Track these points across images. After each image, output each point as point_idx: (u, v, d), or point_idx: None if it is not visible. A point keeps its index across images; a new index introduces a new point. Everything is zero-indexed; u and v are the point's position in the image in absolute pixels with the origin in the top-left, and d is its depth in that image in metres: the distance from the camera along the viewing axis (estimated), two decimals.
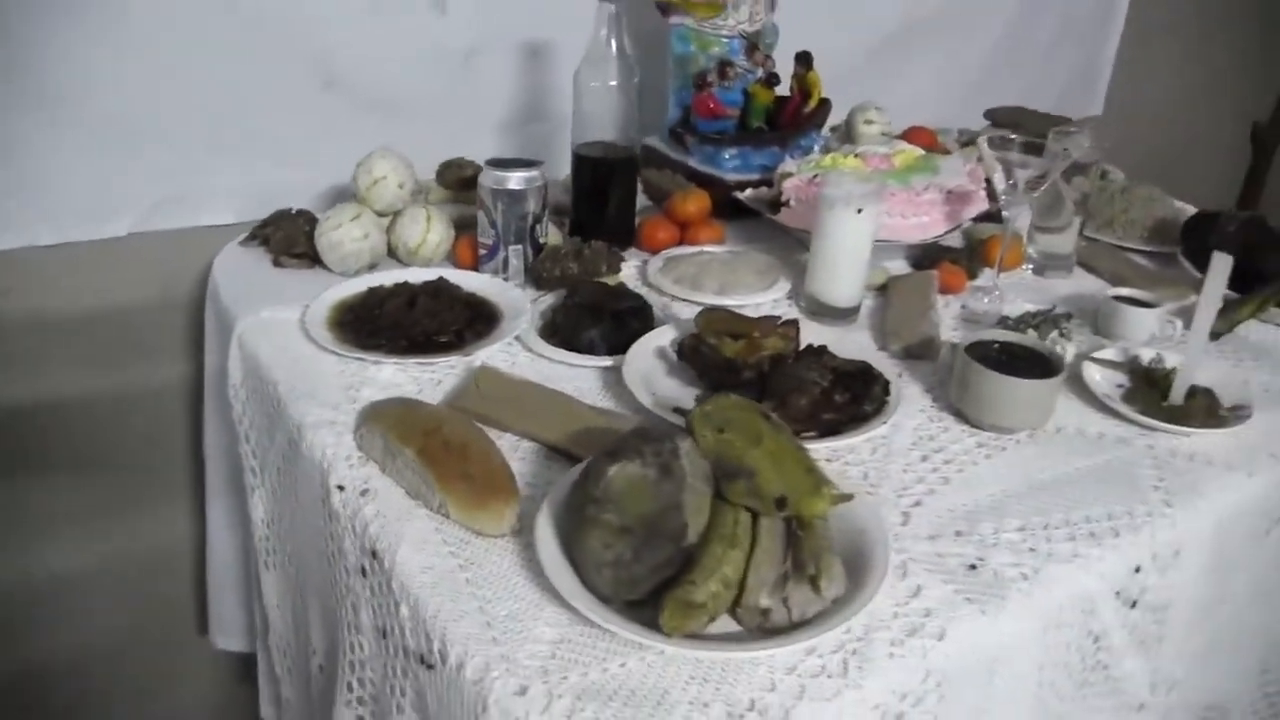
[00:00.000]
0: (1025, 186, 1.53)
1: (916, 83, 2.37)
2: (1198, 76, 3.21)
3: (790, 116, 1.88)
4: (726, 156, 1.82)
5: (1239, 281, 1.59)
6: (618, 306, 1.44)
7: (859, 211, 1.45)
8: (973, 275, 1.67)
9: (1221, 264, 1.35)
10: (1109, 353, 1.47)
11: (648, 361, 1.36)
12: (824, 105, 1.90)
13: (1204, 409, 1.37)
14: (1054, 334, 1.44)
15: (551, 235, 1.63)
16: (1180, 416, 1.35)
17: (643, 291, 1.56)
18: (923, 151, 1.77)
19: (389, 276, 1.54)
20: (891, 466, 1.24)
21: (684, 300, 1.55)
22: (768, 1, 1.84)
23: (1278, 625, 1.46)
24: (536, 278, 1.55)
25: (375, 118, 1.77)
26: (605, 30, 1.58)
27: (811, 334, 1.42)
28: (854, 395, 1.28)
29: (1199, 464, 1.30)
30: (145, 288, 1.71)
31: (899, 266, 1.70)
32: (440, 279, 1.51)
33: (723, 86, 1.82)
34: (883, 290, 1.61)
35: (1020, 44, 2.57)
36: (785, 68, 1.88)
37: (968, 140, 2.16)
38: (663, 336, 1.40)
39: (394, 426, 1.20)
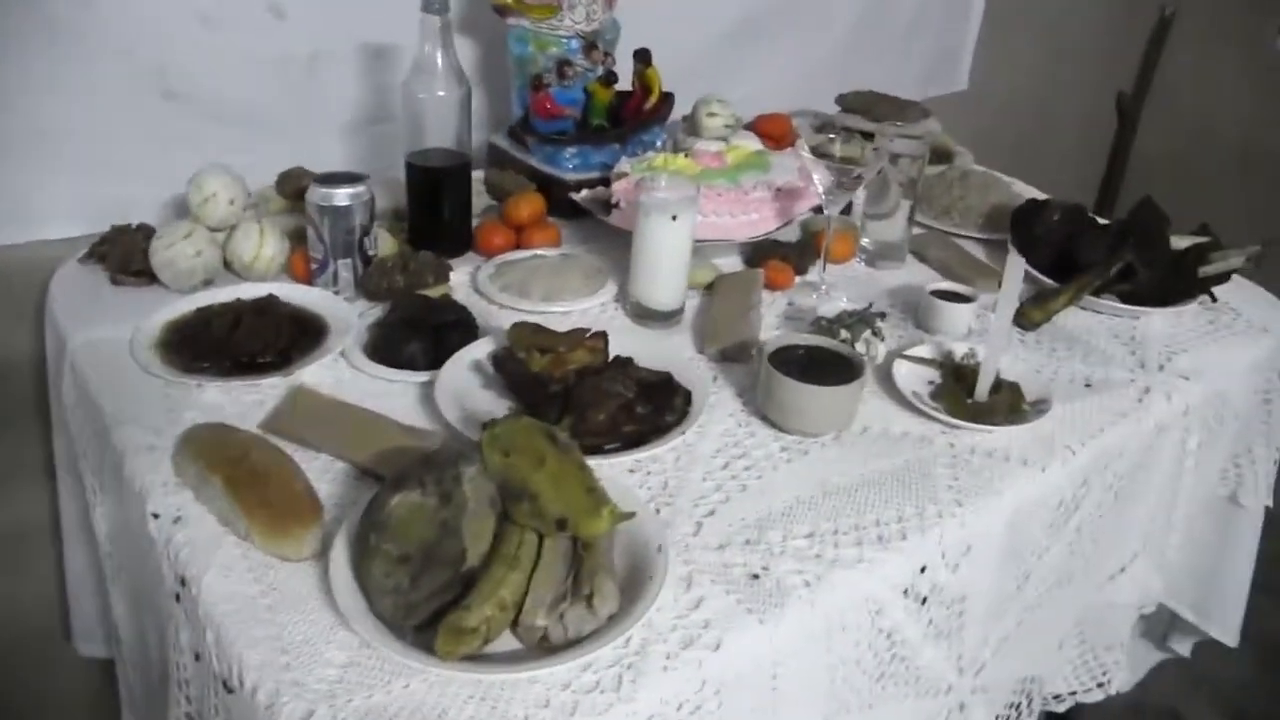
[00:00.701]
0: (843, 186, 1.56)
1: (772, 69, 2.40)
2: (1062, 46, 3.26)
3: (632, 113, 1.90)
4: (566, 156, 1.83)
5: (1061, 271, 1.64)
6: (439, 320, 1.46)
7: (674, 219, 1.47)
8: (803, 270, 1.70)
9: (1016, 262, 1.39)
10: (923, 349, 1.51)
11: (463, 376, 1.39)
12: (666, 100, 1.92)
13: (1006, 405, 1.41)
14: (866, 334, 1.47)
15: (387, 244, 1.64)
16: (982, 413, 1.40)
17: (472, 299, 1.58)
18: (756, 148, 1.80)
19: (223, 293, 1.55)
20: (692, 474, 1.28)
21: (510, 309, 1.57)
22: (605, 1, 1.84)
23: (1084, 599, 1.52)
24: (366, 290, 1.56)
25: (219, 127, 1.77)
26: (430, 43, 1.58)
27: (633, 338, 1.46)
28: (656, 406, 1.31)
29: (996, 460, 1.34)
30: None
31: (731, 263, 1.74)
32: (269, 296, 1.52)
33: (562, 86, 1.84)
34: (710, 289, 1.64)
35: (879, 25, 2.60)
36: (628, 64, 1.89)
37: (821, 125, 2.18)
38: (481, 349, 1.42)
39: (204, 454, 1.22)
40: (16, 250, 1.68)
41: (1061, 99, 3.37)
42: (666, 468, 1.29)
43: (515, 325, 1.39)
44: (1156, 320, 1.68)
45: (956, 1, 2.78)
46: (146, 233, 1.63)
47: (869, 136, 2.00)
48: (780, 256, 1.70)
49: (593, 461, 1.17)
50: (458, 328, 1.47)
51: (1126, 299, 1.68)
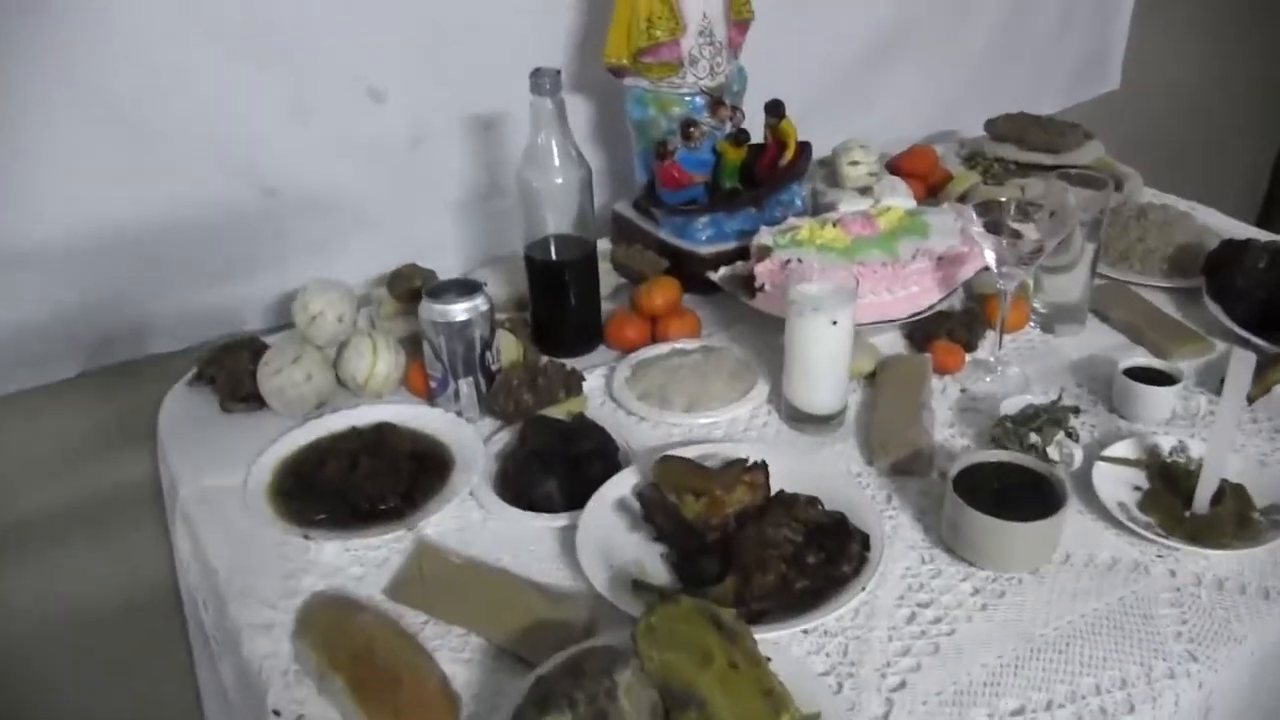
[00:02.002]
0: (1019, 261, 1.37)
1: (907, 91, 2.20)
2: (1225, 31, 2.97)
3: (766, 171, 1.73)
4: (698, 227, 1.67)
5: (1274, 327, 1.43)
6: (575, 450, 1.31)
7: (834, 323, 1.30)
8: (972, 345, 1.51)
9: (1242, 364, 1.18)
10: (1123, 447, 1.31)
11: (607, 519, 1.24)
12: (802, 153, 1.74)
13: (1233, 516, 1.22)
14: (1059, 436, 1.29)
15: (510, 348, 1.50)
16: (1204, 530, 1.21)
17: (606, 410, 1.44)
18: (908, 207, 1.61)
19: (338, 419, 1.44)
20: (874, 634, 1.12)
21: (652, 421, 1.42)
22: (729, 51, 1.67)
23: None
24: (491, 411, 1.43)
25: (322, 220, 1.66)
26: (544, 129, 1.44)
27: (790, 450, 1.34)
28: (828, 555, 1.15)
29: (1229, 593, 1.15)
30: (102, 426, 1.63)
31: (890, 342, 1.56)
32: (383, 426, 1.40)
33: (689, 149, 1.67)
34: (871, 379, 1.46)
35: (1021, 28, 2.37)
36: (757, 112, 1.72)
37: (970, 155, 1.98)
38: (624, 483, 1.27)
39: (324, 644, 1.11)
40: (130, 367, 1.60)
41: (1225, 91, 3.07)
42: (845, 626, 1.13)
43: (663, 461, 1.24)
44: None
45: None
46: (254, 349, 1.52)
47: (1024, 169, 1.81)
48: (947, 332, 1.51)
49: (761, 633, 1.03)
50: (597, 458, 1.32)
51: None
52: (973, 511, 1.14)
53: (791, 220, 1.61)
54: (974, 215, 1.39)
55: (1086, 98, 2.53)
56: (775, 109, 1.70)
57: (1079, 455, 1.29)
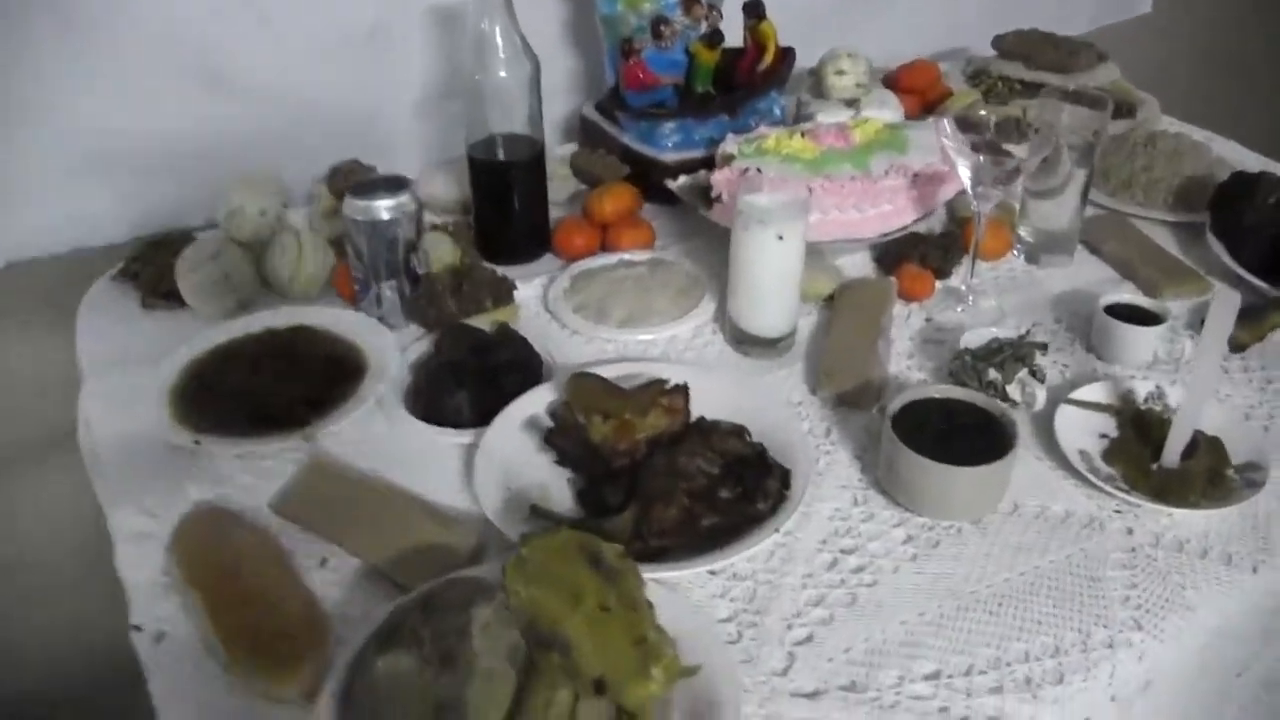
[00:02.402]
0: (996, 180, 1.24)
1: (917, 6, 2.03)
2: None
3: (745, 76, 1.59)
4: (664, 133, 1.54)
5: (1275, 271, 1.29)
6: (492, 360, 1.21)
7: (779, 239, 1.18)
8: (947, 272, 1.39)
9: (1225, 305, 1.05)
10: (1095, 389, 1.19)
11: (514, 438, 1.13)
12: (784, 59, 1.61)
13: (1205, 472, 1.09)
14: (1022, 373, 1.16)
15: (446, 252, 1.39)
16: (1172, 485, 1.08)
17: (541, 323, 1.33)
18: (890, 120, 1.48)
19: (257, 320, 1.34)
20: (787, 581, 1.01)
21: (586, 337, 1.31)
22: None
23: None
24: (414, 317, 1.32)
25: (278, 114, 1.55)
26: (487, 20, 1.32)
27: (733, 374, 1.24)
28: (744, 491, 1.04)
29: (1189, 556, 1.04)
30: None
31: (859, 263, 1.43)
32: (301, 330, 1.30)
33: (658, 49, 1.55)
34: (830, 303, 1.34)
35: None
36: (738, 14, 1.58)
37: (974, 73, 1.83)
38: (538, 401, 1.16)
39: (189, 559, 1.02)
40: (62, 261, 1.51)
41: (1264, 23, 2.87)
42: (756, 569, 1.02)
43: (576, 379, 1.13)
44: None
45: None
46: (185, 245, 1.42)
47: (1031, 89, 1.67)
48: (919, 257, 1.38)
49: (659, 572, 0.94)
50: (515, 371, 1.21)
51: None
52: (909, 452, 1.03)
53: (762, 129, 1.48)
54: (948, 127, 1.25)
55: (1114, 20, 2.35)
56: (754, 8, 1.56)
57: (1041, 396, 1.16)
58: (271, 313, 1.36)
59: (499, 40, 1.33)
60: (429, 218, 1.48)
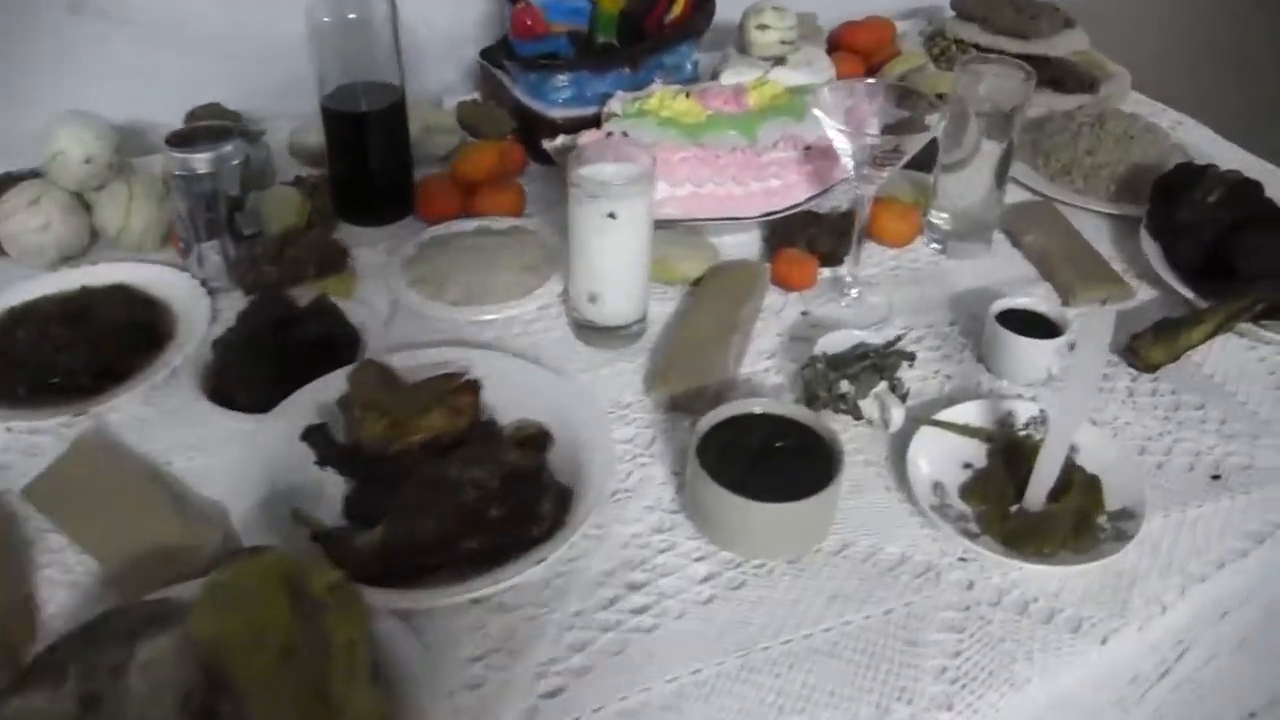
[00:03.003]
0: (877, 162, 1.08)
1: None
2: None
3: (654, 27, 1.43)
4: (555, 87, 1.39)
5: (1214, 277, 1.12)
6: (295, 339, 1.08)
7: (610, 216, 1.03)
8: (838, 259, 1.23)
9: (1099, 326, 0.89)
10: (965, 411, 1.04)
11: (299, 430, 1.00)
12: (700, 8, 1.44)
13: (1072, 517, 0.94)
14: (880, 388, 1.01)
15: (291, 209, 1.26)
16: (1028, 533, 0.94)
17: (383, 293, 1.19)
18: (796, 83, 1.31)
19: (73, 278, 1.22)
20: (557, 615, 0.87)
21: (416, 314, 1.17)
22: None
23: None
24: (235, 282, 1.19)
25: (140, 44, 1.42)
26: None
27: (574, 363, 1.09)
28: (515, 510, 0.90)
29: (1032, 621, 0.89)
30: None
31: (744, 245, 1.28)
32: (116, 288, 1.19)
33: None
34: (698, 286, 1.19)
35: None
36: None
37: (932, 34, 1.66)
38: (333, 388, 1.03)
39: None
40: None
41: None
42: (524, 602, 0.88)
43: (358, 368, 0.99)
44: None
45: None
46: None
47: (985, 55, 1.49)
48: (807, 241, 1.23)
49: (408, 601, 0.83)
50: (322, 352, 1.08)
51: None
52: (709, 481, 0.88)
53: (655, 87, 1.32)
54: (826, 96, 1.09)
55: None
56: None
57: (899, 415, 1.01)
58: (91, 268, 1.24)
59: None
60: (297, 169, 1.36)
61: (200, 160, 1.15)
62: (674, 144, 1.19)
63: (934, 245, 1.29)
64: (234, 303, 1.18)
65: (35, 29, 1.38)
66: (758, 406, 0.95)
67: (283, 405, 1.02)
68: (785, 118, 1.24)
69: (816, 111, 1.08)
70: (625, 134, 1.19)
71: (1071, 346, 1.04)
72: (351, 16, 1.21)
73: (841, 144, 1.08)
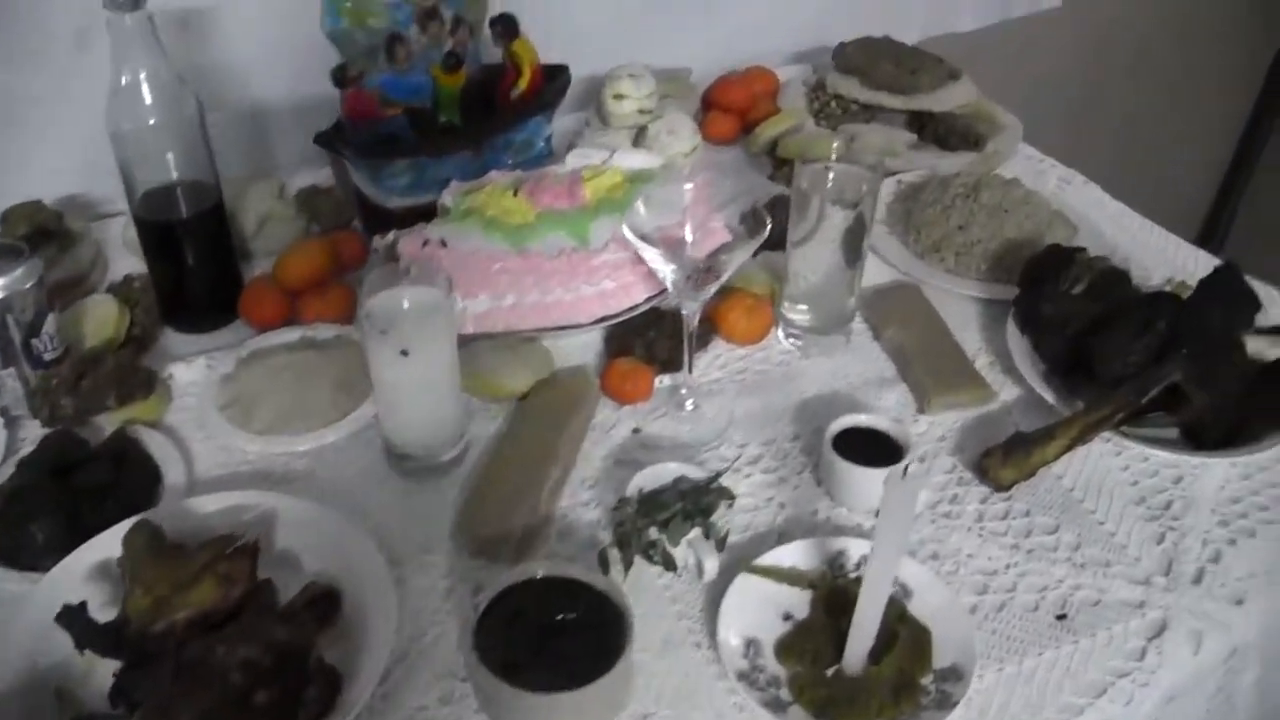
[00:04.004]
0: (692, 281, 1.01)
1: (767, 3, 1.75)
2: None
3: (502, 102, 1.35)
4: (394, 173, 1.31)
5: (1079, 372, 1.05)
6: (79, 484, 1.01)
7: (403, 354, 0.96)
8: (678, 364, 1.15)
9: (900, 493, 0.81)
10: (789, 553, 0.96)
11: (80, 592, 0.93)
12: (552, 79, 1.37)
13: (890, 681, 0.87)
14: (693, 534, 0.94)
15: (106, 321, 1.19)
16: (841, 701, 0.86)
17: (195, 419, 1.12)
18: (637, 167, 1.23)
19: None
20: None
21: (220, 444, 1.10)
22: None
23: None
24: (35, 413, 1.12)
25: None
26: (126, 55, 1.10)
27: (381, 497, 1.02)
28: (284, 695, 0.83)
29: None
30: None
31: (585, 346, 1.20)
32: None
33: (395, 72, 1.31)
34: (525, 401, 1.12)
35: None
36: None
37: (815, 86, 1.57)
38: (116, 542, 0.95)
39: None
40: None
41: (1194, 32, 2.53)
42: None
43: (133, 530, 0.92)
44: (1216, 474, 1.06)
45: None
46: None
47: (868, 111, 1.42)
48: (646, 345, 1.15)
49: None
50: (110, 497, 1.01)
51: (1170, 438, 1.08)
52: (486, 672, 0.81)
53: (492, 175, 1.25)
54: (640, 209, 1.01)
55: (1021, 13, 2.06)
56: (504, 25, 1.33)
57: (712, 566, 0.94)
58: None
59: (142, 81, 1.11)
60: (128, 266, 1.29)
61: None
62: (495, 252, 1.11)
63: (790, 341, 1.21)
64: (39, 432, 1.10)
65: None
66: (541, 569, 0.87)
67: (60, 566, 0.95)
68: (619, 214, 1.15)
69: (625, 230, 1.00)
70: (444, 242, 1.12)
71: (906, 471, 0.96)
72: (152, 122, 1.13)
73: (656, 265, 1.01)
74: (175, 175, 1.19)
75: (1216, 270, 1.15)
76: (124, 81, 1.12)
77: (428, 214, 1.28)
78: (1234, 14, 2.56)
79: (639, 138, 1.44)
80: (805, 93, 1.58)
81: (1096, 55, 2.33)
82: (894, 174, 1.44)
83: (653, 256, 1.01)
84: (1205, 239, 2.78)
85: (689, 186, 1.09)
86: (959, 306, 1.27)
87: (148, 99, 1.13)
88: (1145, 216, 1.43)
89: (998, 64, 1.85)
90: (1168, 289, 1.23)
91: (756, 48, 1.75)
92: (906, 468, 0.83)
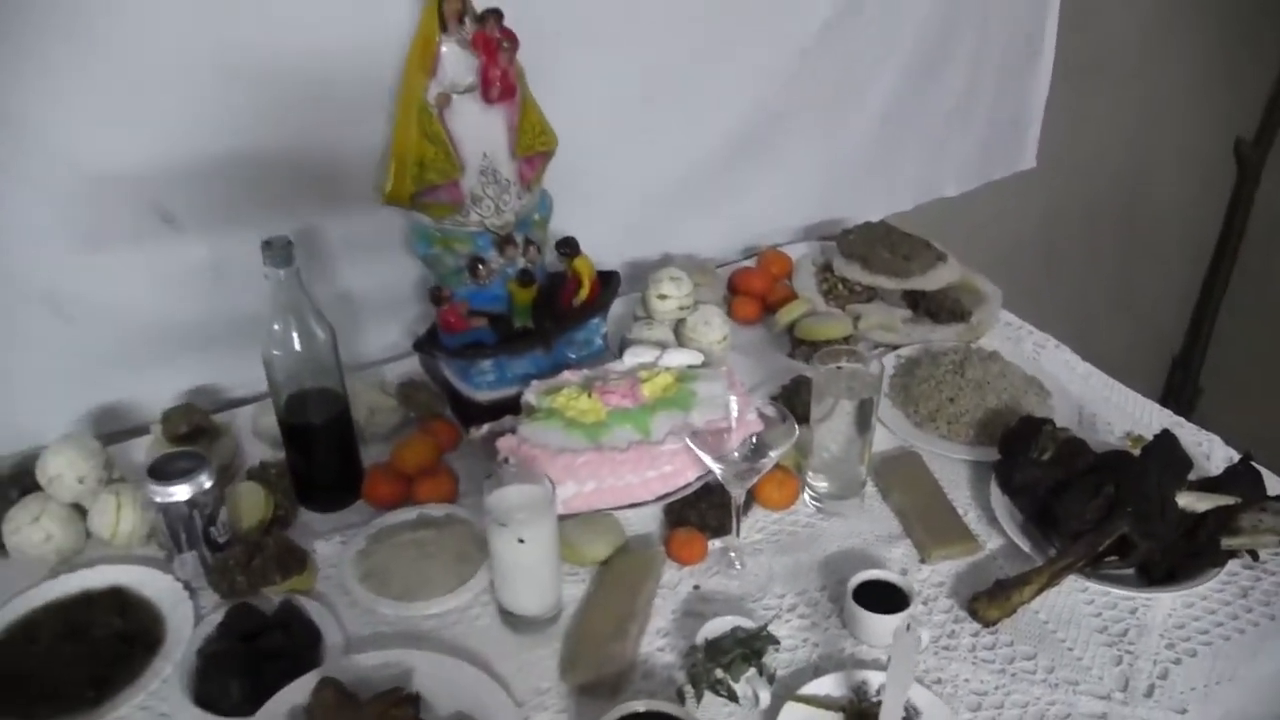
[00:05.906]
0: (739, 476, 1.30)
1: (779, 184, 2.06)
2: (1155, 94, 2.83)
3: (566, 306, 1.65)
4: (480, 370, 1.60)
5: (1050, 531, 1.33)
6: (262, 647, 1.28)
7: (520, 542, 1.24)
8: (726, 529, 1.42)
9: (905, 645, 1.09)
10: (825, 684, 1.23)
11: None
12: (606, 287, 1.66)
13: None
14: (750, 672, 1.21)
15: (255, 505, 1.47)
16: None
17: (339, 587, 1.40)
18: (685, 365, 1.52)
19: (73, 582, 1.42)
20: None
21: (363, 610, 1.37)
22: (519, 187, 1.59)
23: None
24: (214, 587, 1.40)
25: (121, 349, 1.63)
26: (280, 302, 1.40)
27: (496, 649, 1.30)
28: None
29: None
30: None
31: (645, 518, 1.48)
32: (114, 591, 1.40)
33: (477, 287, 1.60)
34: (605, 568, 1.40)
35: (918, 111, 2.21)
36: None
37: (824, 266, 1.87)
38: (299, 692, 1.23)
39: None
40: None
41: (1160, 155, 2.91)
42: None
43: (319, 687, 1.19)
44: (1164, 604, 1.35)
45: (1015, 68, 2.32)
46: (23, 486, 1.51)
47: (870, 292, 1.72)
48: (698, 515, 1.43)
49: None
50: (285, 657, 1.28)
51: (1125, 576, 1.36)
52: None
53: (565, 375, 1.54)
54: (692, 426, 1.31)
55: (999, 176, 2.37)
56: (568, 246, 1.62)
57: (765, 696, 1.21)
58: (89, 571, 1.43)
59: (291, 322, 1.40)
60: (262, 452, 1.57)
61: (178, 490, 1.36)
62: (578, 448, 1.40)
63: (814, 504, 1.49)
64: (214, 599, 1.38)
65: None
66: (641, 705, 1.14)
67: (260, 714, 1.21)
68: (674, 410, 1.44)
69: (688, 441, 1.30)
70: (535, 448, 1.40)
71: (909, 626, 1.24)
72: (298, 349, 1.42)
73: (711, 464, 1.30)
74: (312, 380, 1.46)
75: (1156, 438, 1.43)
76: (275, 328, 1.41)
77: (510, 405, 1.56)
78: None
79: (679, 327, 1.73)
80: (814, 273, 1.88)
81: (1066, 204, 2.66)
82: (895, 348, 1.73)
83: (710, 461, 1.30)
84: (1186, 354, 3.06)
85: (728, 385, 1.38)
86: (951, 467, 1.56)
87: (295, 337, 1.41)
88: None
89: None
90: (1128, 442, 1.51)
91: (769, 226, 2.06)
92: (909, 625, 1.10)
